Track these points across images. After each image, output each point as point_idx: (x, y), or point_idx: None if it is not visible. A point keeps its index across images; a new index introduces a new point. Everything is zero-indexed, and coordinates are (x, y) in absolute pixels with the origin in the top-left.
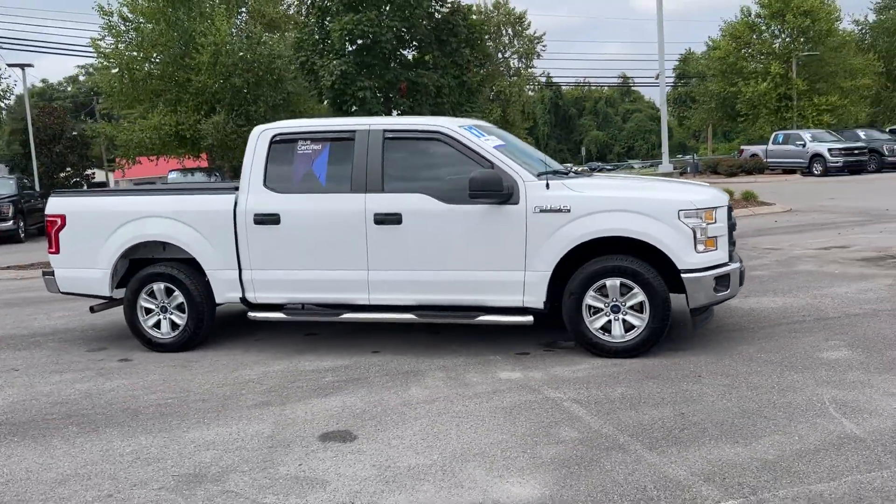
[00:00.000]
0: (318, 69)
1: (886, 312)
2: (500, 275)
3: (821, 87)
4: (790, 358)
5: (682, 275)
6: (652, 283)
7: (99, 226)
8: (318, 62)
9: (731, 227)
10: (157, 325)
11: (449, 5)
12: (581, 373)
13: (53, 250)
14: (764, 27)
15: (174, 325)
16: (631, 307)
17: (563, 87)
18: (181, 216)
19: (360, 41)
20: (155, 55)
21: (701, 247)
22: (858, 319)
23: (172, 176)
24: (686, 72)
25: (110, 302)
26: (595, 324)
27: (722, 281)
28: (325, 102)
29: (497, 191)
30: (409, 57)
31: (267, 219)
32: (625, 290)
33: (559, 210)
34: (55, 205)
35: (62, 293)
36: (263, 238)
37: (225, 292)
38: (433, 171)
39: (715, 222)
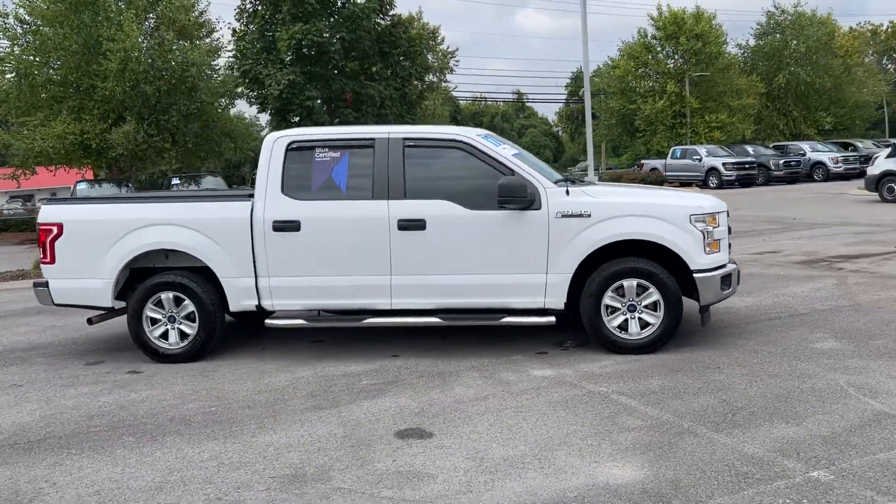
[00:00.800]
0: (264, 78)
1: (848, 308)
2: (523, 277)
3: (711, 106)
4: (790, 349)
5: (694, 275)
6: (666, 283)
7: (101, 234)
8: (264, 71)
9: (728, 231)
10: (164, 335)
11: (390, 18)
12: (608, 368)
13: (48, 260)
14: (659, 48)
15: (183, 336)
16: (646, 306)
17: (462, 102)
18: (194, 224)
19: (306, 51)
20: (56, 60)
21: (708, 249)
22: (827, 314)
23: (81, 187)
24: (578, 88)
25: (109, 313)
26: (613, 322)
27: (726, 280)
28: (269, 112)
29: (523, 197)
30: (353, 68)
31: (287, 226)
32: (640, 290)
33: (580, 215)
34: (50, 213)
35: (56, 305)
36: (283, 245)
37: (240, 300)
38: (454, 178)
39: (718, 226)
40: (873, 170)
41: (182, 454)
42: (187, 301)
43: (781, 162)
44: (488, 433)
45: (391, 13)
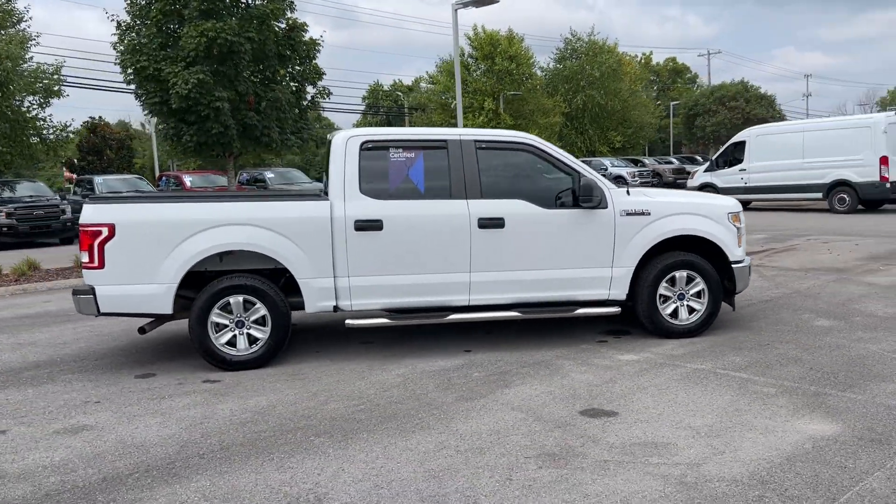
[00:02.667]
0: (167, 76)
1: (798, 294)
2: (591, 271)
3: (522, 123)
4: (800, 328)
5: (733, 265)
6: (711, 273)
7: (164, 235)
8: (166, 69)
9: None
10: (230, 342)
11: (289, 21)
12: (678, 350)
13: (96, 265)
14: (475, 67)
15: (251, 341)
16: (693, 294)
17: None
18: (272, 223)
19: (217, 50)
20: None
21: (740, 242)
22: (788, 299)
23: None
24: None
25: (157, 321)
26: (666, 310)
27: (750, 270)
28: (163, 113)
29: (598, 197)
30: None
31: (369, 225)
32: (688, 280)
33: (642, 213)
34: (100, 213)
35: (101, 314)
36: (364, 244)
37: (317, 301)
38: (525, 178)
39: (741, 224)
40: (693, 182)
41: (413, 445)
42: (259, 304)
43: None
44: (665, 408)
45: (289, 16)
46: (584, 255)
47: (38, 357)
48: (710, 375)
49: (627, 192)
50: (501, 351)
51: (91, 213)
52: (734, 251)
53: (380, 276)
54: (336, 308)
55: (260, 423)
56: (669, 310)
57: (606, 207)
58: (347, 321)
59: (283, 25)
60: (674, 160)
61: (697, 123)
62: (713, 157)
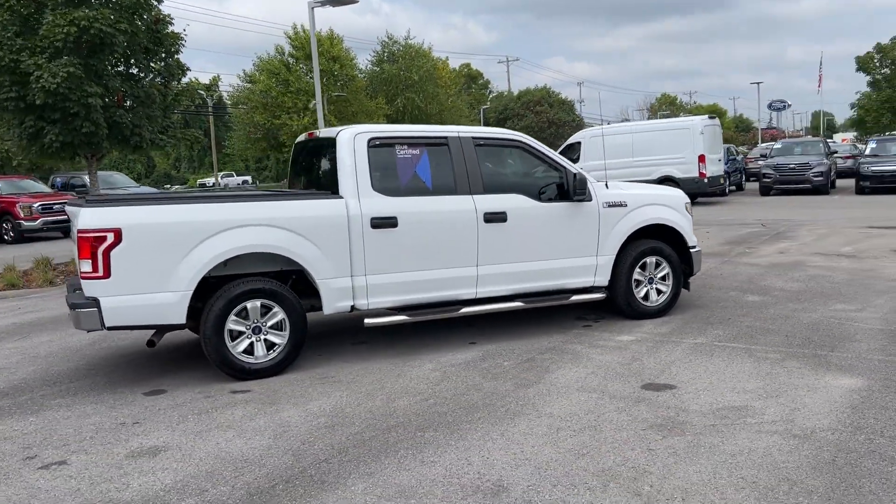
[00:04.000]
0: (28, 68)
1: (705, 276)
2: (580, 260)
3: (347, 125)
4: (741, 303)
5: (691, 250)
6: (674, 258)
7: (176, 239)
8: (26, 60)
9: None
10: (247, 349)
11: (154, 13)
12: (662, 328)
13: (100, 274)
14: (298, 67)
15: (269, 347)
16: (660, 278)
17: None
18: (289, 223)
19: (87, 41)
20: None
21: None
22: (703, 281)
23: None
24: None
25: (159, 332)
26: (639, 294)
27: (700, 256)
28: (25, 107)
29: (589, 190)
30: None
31: (385, 222)
32: (657, 265)
33: (620, 204)
34: (103, 217)
35: (106, 328)
36: (381, 242)
37: (335, 302)
38: (518, 173)
39: (691, 213)
40: None
41: (522, 430)
42: (276, 308)
43: None
44: (710, 377)
45: (154, 9)
46: (573, 245)
47: (21, 376)
48: (713, 348)
49: (606, 185)
50: (504, 341)
51: (93, 218)
52: (691, 238)
53: (395, 273)
54: (353, 308)
55: (347, 425)
56: (642, 293)
57: (591, 200)
58: (367, 320)
59: (146, 17)
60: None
61: (508, 127)
62: None
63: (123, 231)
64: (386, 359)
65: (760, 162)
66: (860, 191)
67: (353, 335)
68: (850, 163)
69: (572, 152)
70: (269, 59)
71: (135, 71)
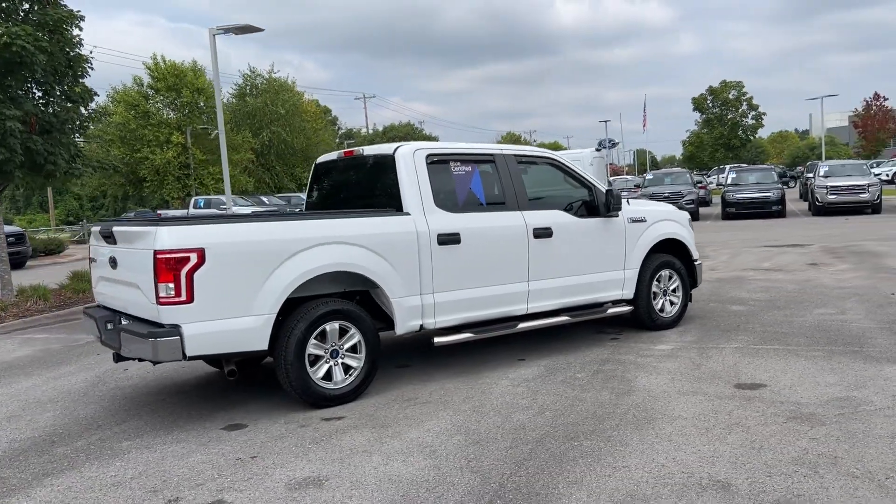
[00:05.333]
0: None
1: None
2: (611, 274)
3: (213, 158)
4: (734, 312)
5: (695, 263)
6: (683, 271)
7: (260, 259)
8: None
9: None
10: (326, 374)
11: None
12: (686, 337)
13: (183, 298)
14: (158, 99)
15: (346, 371)
16: (672, 290)
17: None
18: (364, 241)
19: (5, 59)
20: None
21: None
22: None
23: None
24: None
25: (224, 361)
26: (657, 305)
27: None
28: None
29: (621, 206)
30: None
31: (450, 238)
32: (670, 277)
33: (641, 220)
34: (185, 237)
35: (187, 358)
36: (446, 259)
37: (407, 321)
38: (555, 190)
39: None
40: None
41: (682, 432)
42: (353, 330)
43: None
44: (786, 376)
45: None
46: (606, 259)
47: (70, 416)
48: (758, 351)
49: (628, 202)
50: (552, 356)
51: (173, 238)
52: (695, 251)
53: (459, 290)
54: (422, 327)
55: (491, 441)
56: (658, 305)
57: (617, 216)
58: (437, 339)
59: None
60: None
61: None
62: None
63: (207, 251)
64: (450, 379)
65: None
66: (726, 216)
67: (391, 359)
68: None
69: None
70: (125, 89)
71: (40, 94)
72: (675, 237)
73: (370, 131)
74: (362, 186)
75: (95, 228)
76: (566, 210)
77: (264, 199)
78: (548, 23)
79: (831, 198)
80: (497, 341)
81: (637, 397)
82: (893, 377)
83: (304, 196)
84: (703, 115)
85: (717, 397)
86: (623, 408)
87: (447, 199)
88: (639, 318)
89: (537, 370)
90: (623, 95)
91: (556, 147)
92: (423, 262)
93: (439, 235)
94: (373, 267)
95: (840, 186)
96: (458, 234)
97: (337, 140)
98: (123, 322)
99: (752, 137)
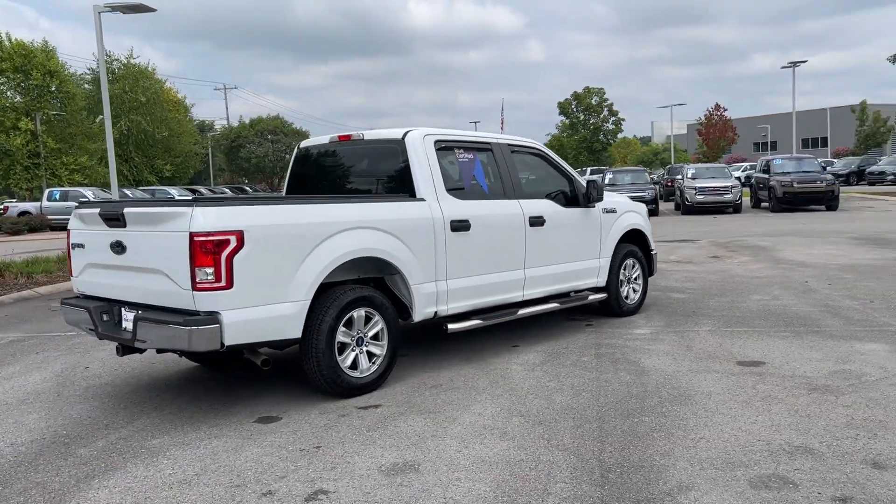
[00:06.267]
0: None
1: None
2: (589, 262)
3: (66, 147)
4: (680, 300)
5: (652, 252)
6: (643, 260)
7: (296, 243)
8: None
9: None
10: (352, 363)
11: None
12: (658, 321)
13: (223, 284)
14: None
15: (370, 359)
16: (635, 279)
17: None
18: (388, 226)
19: None
20: None
21: None
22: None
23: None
24: None
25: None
26: (623, 293)
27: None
28: None
29: (602, 197)
30: None
31: (461, 225)
32: (632, 266)
33: (613, 211)
34: (224, 218)
35: (225, 347)
36: (457, 245)
37: (423, 308)
38: (541, 180)
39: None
40: None
41: (729, 407)
42: (377, 317)
43: None
44: (779, 354)
45: None
46: (586, 248)
47: (53, 422)
48: (732, 334)
49: None
50: (542, 343)
51: (211, 219)
52: (651, 241)
53: (467, 277)
54: (436, 314)
55: (553, 421)
56: (624, 292)
57: (594, 206)
58: (451, 326)
59: None
60: (227, 189)
61: (242, 154)
62: None
63: (246, 234)
64: (460, 365)
65: None
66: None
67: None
68: None
69: None
70: None
71: None
72: (638, 227)
73: (236, 123)
74: (362, 172)
75: (84, 211)
76: (553, 199)
77: (127, 192)
78: (402, 23)
79: (700, 198)
80: (481, 329)
81: (656, 377)
82: (868, 351)
83: (172, 190)
84: (568, 119)
85: (730, 374)
86: (650, 387)
87: (455, 186)
88: (609, 305)
89: (539, 356)
90: (476, 98)
91: None
92: (439, 249)
93: (452, 222)
94: (396, 252)
95: (707, 187)
96: (467, 221)
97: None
98: (126, 312)
99: (612, 141)
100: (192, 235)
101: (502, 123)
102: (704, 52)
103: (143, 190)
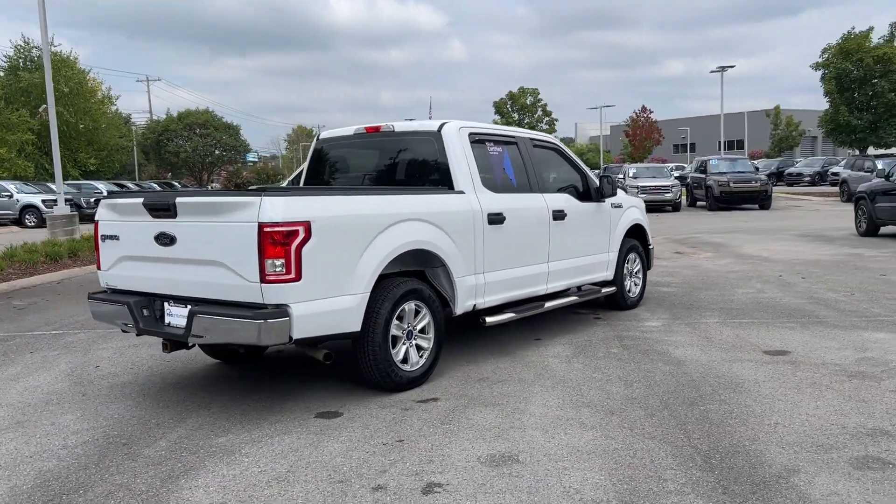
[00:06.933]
0: None
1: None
2: (601, 256)
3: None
4: (671, 293)
5: (650, 247)
6: (643, 255)
7: (357, 234)
8: None
9: None
10: (403, 357)
11: None
12: (662, 314)
13: (292, 276)
14: None
15: (418, 353)
16: (636, 273)
17: None
18: (434, 218)
19: None
20: None
21: None
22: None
23: None
24: None
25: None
26: (626, 286)
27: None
28: None
29: (616, 192)
30: None
31: (496, 218)
32: (633, 261)
33: (619, 206)
34: (293, 208)
35: (293, 342)
36: (493, 238)
37: (465, 301)
38: (558, 174)
39: None
40: None
41: (777, 391)
42: (425, 310)
43: None
44: (798, 343)
45: None
46: (598, 242)
47: (91, 424)
48: (740, 324)
49: None
50: (563, 335)
51: (280, 210)
52: (649, 237)
53: (501, 270)
54: (474, 307)
55: (635, 408)
56: (629, 286)
57: (603, 201)
58: (489, 319)
59: None
60: (155, 185)
61: (170, 149)
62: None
63: (313, 225)
64: (494, 358)
65: None
66: None
67: None
68: None
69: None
70: None
71: None
72: (639, 222)
73: (164, 116)
74: (392, 164)
75: (119, 201)
76: (570, 194)
77: (52, 186)
78: (323, 18)
79: (642, 196)
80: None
81: (693, 367)
82: (879, 340)
83: (99, 185)
84: (503, 118)
85: (762, 363)
86: (695, 376)
87: (488, 178)
88: (614, 298)
89: (567, 348)
90: (399, 96)
91: None
92: (478, 242)
93: (489, 215)
94: (442, 245)
95: (649, 186)
96: (502, 214)
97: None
98: (171, 306)
99: None
100: (261, 226)
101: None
102: (621, 55)
103: (67, 184)
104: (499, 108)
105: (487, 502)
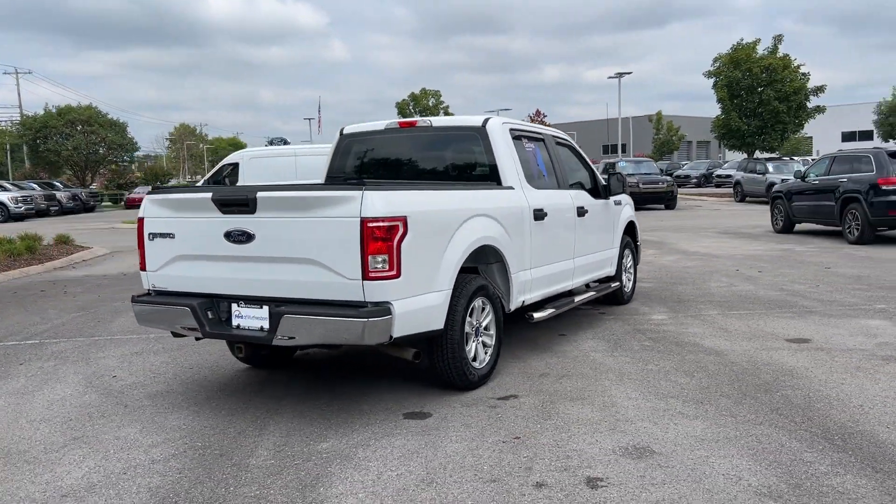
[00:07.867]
0: None
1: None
2: (609, 252)
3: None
4: (656, 286)
5: (637, 243)
6: (634, 249)
7: (443, 230)
8: None
9: None
10: (473, 355)
11: None
12: (661, 308)
13: (393, 272)
14: None
15: (483, 350)
16: (628, 268)
17: None
18: (497, 213)
19: None
20: None
21: None
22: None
23: None
24: None
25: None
26: (623, 279)
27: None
28: None
29: (624, 189)
30: None
31: (540, 214)
32: (627, 256)
33: (619, 203)
34: (392, 203)
35: (393, 340)
36: (538, 234)
37: (518, 296)
38: (574, 171)
39: None
40: None
41: (826, 379)
42: (489, 307)
43: None
44: (815, 332)
45: None
46: (607, 238)
47: (158, 434)
48: (741, 315)
49: None
50: (584, 330)
51: (381, 205)
52: (639, 233)
53: (543, 266)
54: (523, 303)
55: (709, 391)
56: (625, 279)
57: (608, 198)
58: (535, 315)
59: None
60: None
61: (50, 146)
62: (206, 178)
63: (409, 220)
64: (534, 354)
65: None
66: None
67: None
68: None
69: (233, 175)
70: None
71: None
72: (633, 219)
73: (40, 112)
74: (430, 160)
75: (172, 196)
76: (586, 191)
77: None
78: (198, 12)
79: None
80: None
81: (734, 356)
82: (878, 327)
83: None
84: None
85: (796, 350)
86: (744, 364)
87: (529, 174)
88: (614, 293)
89: (599, 343)
90: (280, 95)
91: (234, 143)
92: (526, 237)
93: (535, 210)
94: (503, 240)
95: None
96: (543, 210)
97: None
98: (242, 307)
99: None
100: (363, 221)
101: (319, 123)
102: (501, 60)
103: None
104: (401, 109)
105: (659, 492)
